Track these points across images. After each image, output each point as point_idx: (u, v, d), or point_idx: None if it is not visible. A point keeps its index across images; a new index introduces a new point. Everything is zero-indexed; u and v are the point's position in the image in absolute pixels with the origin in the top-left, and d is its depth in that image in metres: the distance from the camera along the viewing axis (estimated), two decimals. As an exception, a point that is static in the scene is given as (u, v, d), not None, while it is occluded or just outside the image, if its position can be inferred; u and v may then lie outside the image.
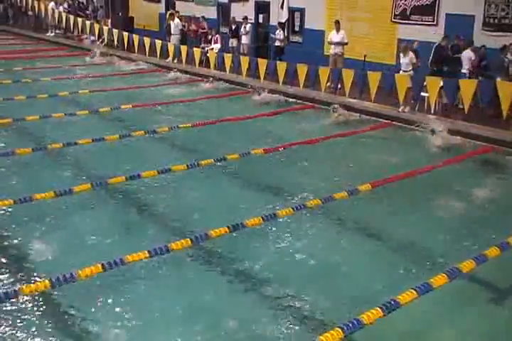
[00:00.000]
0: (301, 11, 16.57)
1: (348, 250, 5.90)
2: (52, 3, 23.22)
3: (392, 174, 7.78)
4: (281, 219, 6.33)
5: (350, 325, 4.21)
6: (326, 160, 8.86)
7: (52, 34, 23.11)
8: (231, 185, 7.66)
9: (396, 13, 14.14)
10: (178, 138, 9.74)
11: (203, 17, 18.36)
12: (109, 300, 4.81)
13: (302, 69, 13.06)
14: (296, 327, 4.52)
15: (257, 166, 8.35)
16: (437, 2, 13.27)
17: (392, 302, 4.48)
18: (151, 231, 6.16)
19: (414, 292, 4.64)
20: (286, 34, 16.40)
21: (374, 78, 11.70)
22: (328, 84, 13.12)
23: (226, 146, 9.17)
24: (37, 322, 4.52)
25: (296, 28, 16.94)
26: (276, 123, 11.04)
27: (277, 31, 15.79)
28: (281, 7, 16.84)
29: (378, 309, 4.37)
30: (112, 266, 5.00)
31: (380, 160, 8.88)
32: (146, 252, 5.25)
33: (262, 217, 6.14)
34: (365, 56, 13.81)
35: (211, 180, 7.81)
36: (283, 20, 16.55)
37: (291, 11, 16.72)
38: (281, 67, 13.50)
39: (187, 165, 7.91)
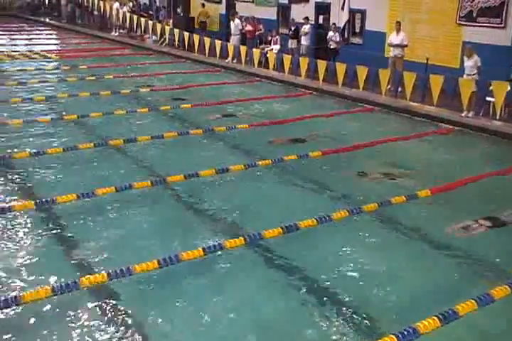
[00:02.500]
0: (362, 12, 16.36)
1: (402, 256, 5.75)
2: (116, 4, 23.87)
3: (457, 178, 7.59)
4: (336, 222, 6.25)
5: (406, 333, 4.12)
6: (385, 164, 8.67)
7: (116, 34, 23.75)
8: (287, 186, 7.61)
9: (461, 15, 13.74)
10: (236, 138, 9.78)
11: (255, 17, 18.45)
12: (164, 296, 4.86)
13: (362, 71, 12.89)
14: (351, 333, 4.44)
15: (314, 168, 8.28)
16: (505, 4, 12.82)
17: (450, 312, 4.36)
18: (206, 229, 6.20)
19: (473, 302, 4.49)
20: (345, 35, 16.24)
21: (437, 81, 11.42)
22: (389, 86, 12.89)
23: (283, 147, 9.15)
24: (93, 314, 4.63)
25: (357, 30, 16.75)
26: (334, 125, 10.93)
27: (332, 33, 15.62)
28: (342, 8, 16.69)
29: (435, 318, 4.25)
30: (168, 263, 5.10)
31: (444, 162, 8.68)
32: (201, 250, 5.34)
33: (317, 219, 6.12)
34: (427, 59, 13.50)
35: (268, 180, 7.78)
36: (342, 24, 16.40)
37: (352, 13, 16.54)
38: (341, 68, 13.37)
39: (244, 166, 7.95)
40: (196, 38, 18.30)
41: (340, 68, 13.37)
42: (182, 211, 6.73)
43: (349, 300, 4.82)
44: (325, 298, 4.85)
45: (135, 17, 22.57)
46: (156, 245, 5.73)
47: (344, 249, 5.78)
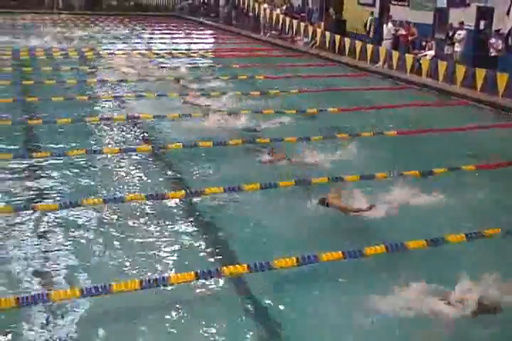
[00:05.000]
0: (532, 17, 15.14)
1: None
2: (266, 5, 24.46)
3: None
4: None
5: None
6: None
7: (268, 35, 24.32)
8: (432, 200, 7.19)
9: None
10: (383, 145, 9.54)
11: (409, 21, 17.82)
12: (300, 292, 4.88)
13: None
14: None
15: (466, 183, 7.80)
16: None
17: None
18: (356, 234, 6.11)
19: None
20: (510, 43, 15.14)
21: None
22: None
23: (433, 159, 8.75)
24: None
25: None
26: (492, 138, 10.24)
27: (494, 40, 14.62)
28: (507, 13, 15.57)
29: None
30: (306, 261, 5.16)
31: None
32: (340, 253, 5.33)
33: (466, 235, 5.82)
34: None
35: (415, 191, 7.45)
36: (506, 30, 15.30)
37: (520, 18, 15.37)
38: (502, 78, 12.50)
39: (386, 174, 7.70)
40: (347, 41, 18.17)
41: (502, 78, 12.49)
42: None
43: None
44: None
45: (287, 19, 22.94)
46: (294, 244, 5.77)
47: None
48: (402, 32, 17.76)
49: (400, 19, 18.54)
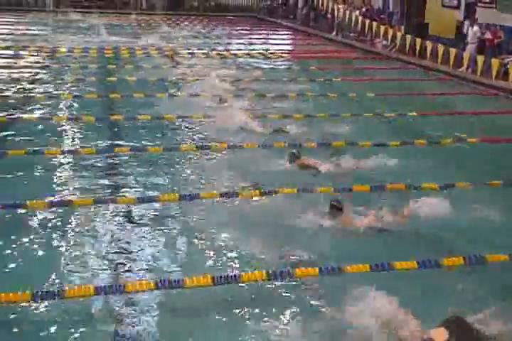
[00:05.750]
0: None
1: None
2: (345, 7, 24.21)
3: None
4: None
5: None
6: None
7: (342, 36, 24.05)
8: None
9: None
10: (463, 153, 9.19)
11: (496, 25, 17.08)
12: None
13: None
14: None
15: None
16: None
17: None
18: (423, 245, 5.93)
19: None
20: None
21: None
22: None
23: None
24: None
25: None
26: None
27: None
28: None
29: None
30: (379, 269, 5.07)
31: None
32: (415, 263, 5.17)
33: None
34: None
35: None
36: None
37: None
38: None
39: (470, 183, 7.40)
40: (429, 44, 17.67)
41: None
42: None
43: None
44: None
45: (367, 21, 22.61)
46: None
47: None
48: (489, 35, 17.06)
49: (486, 22, 17.83)
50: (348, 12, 24.48)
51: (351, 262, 5.15)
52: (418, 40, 18.40)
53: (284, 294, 4.96)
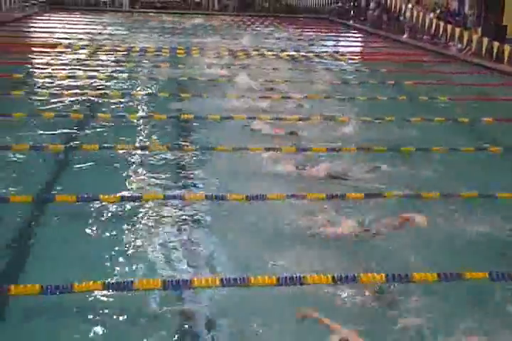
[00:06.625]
0: None
1: None
2: (419, 9, 23.66)
3: None
4: None
5: None
6: None
7: (410, 38, 23.54)
8: None
9: None
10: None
11: None
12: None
13: None
14: None
15: None
16: None
17: None
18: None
19: None
20: None
21: None
22: None
23: None
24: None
25: None
26: None
27: None
28: None
29: None
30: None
31: None
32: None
33: None
34: None
35: None
36: None
37: None
38: None
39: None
40: (507, 48, 17.00)
41: None
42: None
43: None
44: None
45: (441, 23, 22.00)
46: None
47: None
48: None
49: None
50: (421, 14, 23.90)
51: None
52: (496, 43, 17.73)
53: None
